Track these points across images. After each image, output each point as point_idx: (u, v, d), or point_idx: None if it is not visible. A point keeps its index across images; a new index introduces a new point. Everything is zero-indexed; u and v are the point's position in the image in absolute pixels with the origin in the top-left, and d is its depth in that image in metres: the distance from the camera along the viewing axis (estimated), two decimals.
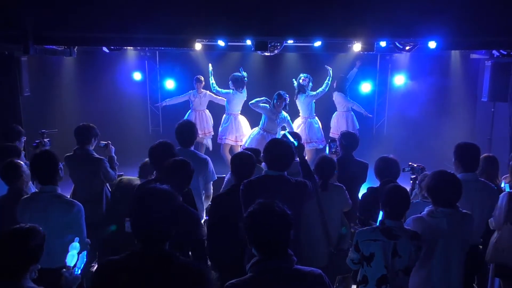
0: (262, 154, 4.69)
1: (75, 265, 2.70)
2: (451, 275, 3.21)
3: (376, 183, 4.11)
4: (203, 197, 4.48)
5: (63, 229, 3.21)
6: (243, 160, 3.76)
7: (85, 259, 2.77)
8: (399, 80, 9.50)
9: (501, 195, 3.84)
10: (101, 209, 4.59)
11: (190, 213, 3.29)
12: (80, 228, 3.29)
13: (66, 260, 2.71)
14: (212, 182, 4.55)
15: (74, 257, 2.72)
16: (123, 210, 4.03)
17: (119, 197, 4.42)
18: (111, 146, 5.00)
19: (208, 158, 4.61)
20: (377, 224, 3.26)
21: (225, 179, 4.67)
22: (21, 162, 3.82)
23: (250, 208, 2.20)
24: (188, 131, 4.57)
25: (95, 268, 4.57)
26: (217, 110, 8.69)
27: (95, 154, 4.75)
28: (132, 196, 3.53)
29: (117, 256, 2.18)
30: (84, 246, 3.29)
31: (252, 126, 7.94)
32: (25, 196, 3.43)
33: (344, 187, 4.10)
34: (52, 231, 3.15)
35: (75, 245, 2.80)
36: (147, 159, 4.22)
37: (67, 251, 2.76)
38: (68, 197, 3.60)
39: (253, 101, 7.34)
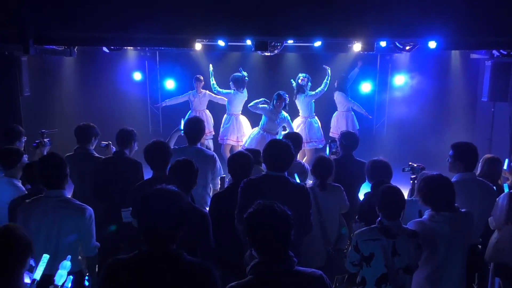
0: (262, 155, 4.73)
1: (62, 285, 2.68)
2: (453, 275, 3.21)
3: None
4: (211, 192, 4.54)
5: (72, 234, 3.16)
6: (238, 161, 3.79)
7: (70, 283, 2.74)
8: (399, 80, 9.49)
9: (502, 195, 3.84)
10: (100, 209, 4.59)
11: (201, 214, 3.29)
12: (90, 233, 3.24)
13: (55, 278, 2.69)
14: (219, 178, 4.65)
15: (63, 277, 2.71)
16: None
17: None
18: (111, 146, 5.00)
19: (215, 155, 4.70)
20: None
21: (227, 180, 4.69)
22: None
23: (250, 209, 2.19)
24: (196, 128, 4.68)
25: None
26: (217, 110, 8.70)
27: (95, 153, 4.75)
28: (136, 196, 3.52)
29: (124, 255, 2.19)
30: (92, 251, 3.29)
31: (253, 126, 7.95)
32: (27, 200, 3.33)
33: (342, 188, 4.10)
34: (61, 236, 3.14)
35: (66, 264, 2.78)
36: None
37: (58, 268, 2.74)
38: (72, 198, 3.55)
39: (251, 104, 7.34)
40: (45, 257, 2.68)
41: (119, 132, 4.57)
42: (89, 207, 3.27)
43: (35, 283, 2.59)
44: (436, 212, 3.18)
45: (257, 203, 2.21)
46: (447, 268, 3.20)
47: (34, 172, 3.63)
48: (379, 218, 3.18)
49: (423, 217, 3.28)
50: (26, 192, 3.84)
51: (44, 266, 2.65)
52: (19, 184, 4.06)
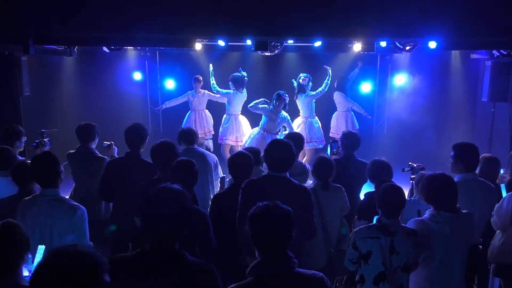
0: (262, 155, 4.72)
1: None
2: (452, 275, 3.21)
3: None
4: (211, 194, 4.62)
5: (66, 233, 3.16)
6: (239, 161, 3.77)
7: None
8: (399, 80, 9.49)
9: (506, 196, 3.82)
10: (100, 208, 4.58)
11: (201, 214, 3.28)
12: (83, 232, 3.23)
13: None
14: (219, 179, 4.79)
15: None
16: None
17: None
18: (114, 146, 4.98)
19: (216, 157, 4.89)
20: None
21: (227, 180, 4.69)
22: None
23: (254, 207, 2.21)
24: (188, 131, 4.96)
25: None
26: (217, 110, 8.70)
27: (97, 153, 4.74)
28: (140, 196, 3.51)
29: (126, 253, 2.18)
30: None
31: (253, 126, 7.95)
32: (25, 198, 3.35)
33: (344, 189, 4.09)
34: (54, 235, 3.14)
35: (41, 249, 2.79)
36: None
37: None
38: (69, 198, 3.56)
39: (251, 104, 7.34)
40: (41, 248, 2.68)
41: (133, 131, 4.23)
42: (82, 207, 3.25)
43: None
44: (437, 212, 3.18)
45: (260, 202, 2.23)
46: (446, 269, 3.19)
47: (23, 173, 3.64)
48: (378, 216, 3.18)
49: (424, 216, 3.28)
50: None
51: (41, 258, 2.66)
52: None
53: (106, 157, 4.72)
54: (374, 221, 3.27)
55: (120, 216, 4.18)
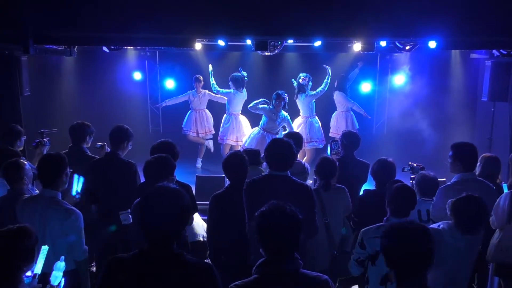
0: (262, 155, 4.72)
1: (58, 285, 2.71)
2: (456, 280, 3.19)
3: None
4: None
5: (60, 236, 3.15)
6: (232, 163, 3.72)
7: (62, 282, 2.77)
8: (399, 80, 9.49)
9: (503, 195, 3.83)
10: (95, 211, 4.55)
11: None
12: (77, 236, 3.22)
13: (50, 279, 2.72)
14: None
15: (58, 278, 2.74)
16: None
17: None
18: (107, 147, 4.97)
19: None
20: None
21: (227, 180, 4.68)
22: (25, 163, 3.78)
23: (262, 208, 2.21)
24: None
25: (94, 269, 4.58)
26: (217, 110, 8.71)
27: (89, 152, 4.72)
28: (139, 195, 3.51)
29: (125, 254, 2.19)
30: (82, 254, 3.28)
31: (253, 126, 7.96)
32: (25, 197, 3.36)
33: (346, 189, 4.09)
34: (49, 236, 3.14)
35: (60, 265, 2.79)
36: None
37: (53, 269, 2.77)
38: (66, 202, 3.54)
39: (251, 105, 7.35)
40: (44, 248, 2.69)
41: (113, 131, 4.41)
42: (77, 211, 3.24)
43: (37, 277, 2.60)
44: (457, 230, 3.08)
45: (270, 202, 2.24)
46: (453, 275, 3.15)
47: (11, 172, 3.63)
48: (387, 216, 3.17)
49: (441, 226, 3.18)
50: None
51: (44, 259, 2.66)
52: None
53: (97, 157, 4.70)
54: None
55: (106, 216, 4.18)
